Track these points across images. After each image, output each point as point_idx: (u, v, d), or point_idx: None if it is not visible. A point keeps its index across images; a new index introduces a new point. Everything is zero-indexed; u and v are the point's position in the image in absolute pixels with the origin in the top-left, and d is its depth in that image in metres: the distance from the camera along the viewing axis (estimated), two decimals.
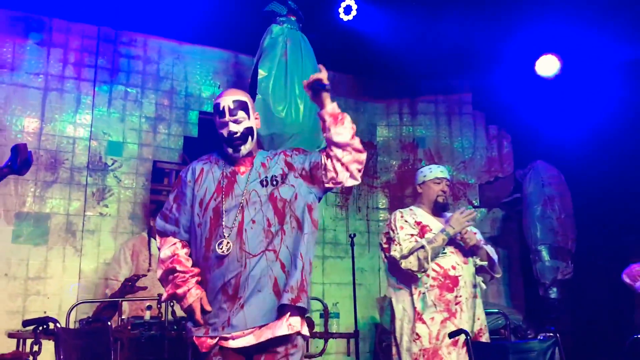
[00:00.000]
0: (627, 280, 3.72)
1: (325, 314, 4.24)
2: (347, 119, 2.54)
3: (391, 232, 3.55)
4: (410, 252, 3.40)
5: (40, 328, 3.04)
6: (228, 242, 2.34)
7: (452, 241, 3.48)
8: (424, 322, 3.37)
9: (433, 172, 3.72)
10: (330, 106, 2.57)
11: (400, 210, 3.67)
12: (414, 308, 3.41)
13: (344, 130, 2.49)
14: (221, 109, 2.52)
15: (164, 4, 4.86)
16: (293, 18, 4.67)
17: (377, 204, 6.28)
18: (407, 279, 3.47)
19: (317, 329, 4.35)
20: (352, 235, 4.64)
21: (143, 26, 5.33)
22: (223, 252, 2.33)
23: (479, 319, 3.48)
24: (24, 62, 4.98)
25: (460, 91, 6.49)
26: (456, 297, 3.39)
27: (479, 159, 6.35)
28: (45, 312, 4.52)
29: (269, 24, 4.77)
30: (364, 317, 5.77)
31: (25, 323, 3.07)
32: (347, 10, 5.07)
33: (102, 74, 5.24)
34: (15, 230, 4.72)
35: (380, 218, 6.23)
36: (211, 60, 5.71)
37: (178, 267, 2.40)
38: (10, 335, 3.91)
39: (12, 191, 4.74)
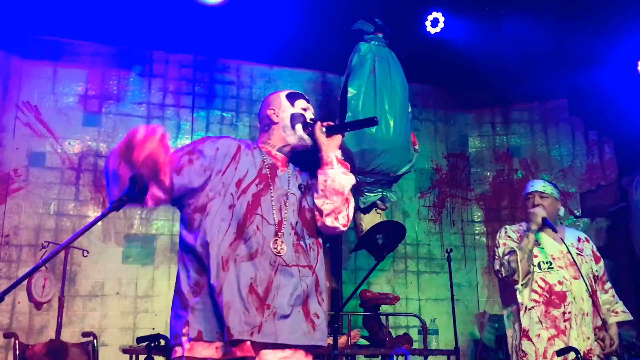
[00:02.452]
0: None
1: (424, 331, 4.19)
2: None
3: (495, 249, 3.52)
4: (503, 259, 3.36)
5: (153, 344, 3.21)
6: (282, 242, 2.09)
7: (563, 256, 3.36)
8: (529, 340, 3.27)
9: (526, 189, 3.66)
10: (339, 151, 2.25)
11: (507, 226, 3.62)
12: (520, 325, 3.32)
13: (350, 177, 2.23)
14: (305, 97, 2.37)
15: (254, 29, 5.04)
16: (380, 35, 4.70)
17: (472, 217, 6.14)
18: (511, 292, 3.38)
19: (415, 345, 4.32)
20: (448, 251, 4.56)
21: (235, 52, 5.55)
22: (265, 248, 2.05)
23: (588, 337, 3.30)
24: (128, 93, 5.32)
25: (555, 97, 6.24)
26: (564, 313, 3.25)
27: (579, 166, 6.06)
28: (153, 329, 4.78)
29: (356, 42, 4.83)
30: (462, 334, 5.64)
31: (139, 340, 3.26)
32: (434, 22, 5.04)
33: (199, 101, 5.50)
34: (124, 251, 5.02)
35: (476, 231, 6.08)
36: (300, 81, 5.84)
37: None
38: (124, 351, 4.17)
39: (121, 214, 5.05)
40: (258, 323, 1.96)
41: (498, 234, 3.58)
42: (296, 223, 2.16)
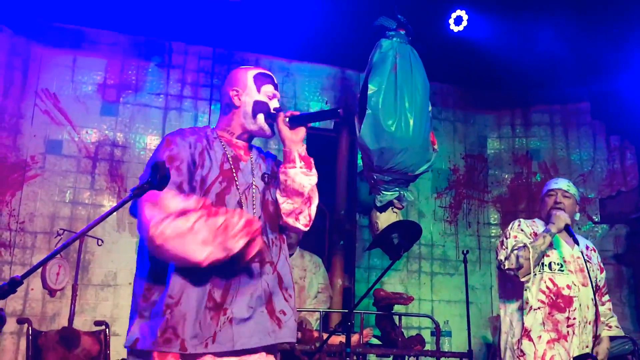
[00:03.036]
0: None
1: (437, 332, 4.14)
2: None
3: (504, 239, 3.38)
4: (512, 251, 3.23)
5: None
6: None
7: (574, 261, 3.28)
8: (530, 340, 3.19)
9: (548, 186, 3.56)
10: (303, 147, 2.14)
11: (521, 219, 3.48)
12: (523, 323, 3.24)
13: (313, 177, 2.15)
14: (275, 82, 2.21)
15: (274, 23, 5.01)
16: (402, 32, 4.64)
17: (488, 220, 6.07)
18: (514, 288, 3.30)
19: (427, 346, 4.27)
20: (465, 252, 4.49)
21: (254, 46, 5.52)
22: None
23: (587, 346, 3.23)
24: (146, 84, 5.31)
25: (577, 100, 6.15)
26: (568, 318, 3.18)
27: (599, 172, 5.96)
28: None
29: (377, 39, 4.78)
30: (475, 337, 5.55)
31: None
32: (458, 21, 4.97)
33: (217, 93, 5.47)
34: (137, 241, 5.00)
35: (492, 234, 6.01)
36: (319, 77, 5.80)
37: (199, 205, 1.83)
38: None
39: None
40: (212, 333, 1.87)
41: (510, 224, 3.45)
42: (259, 217, 2.05)
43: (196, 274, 1.87)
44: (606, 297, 3.47)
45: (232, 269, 1.92)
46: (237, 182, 2.06)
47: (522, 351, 3.19)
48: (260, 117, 2.12)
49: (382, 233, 4.25)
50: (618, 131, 5.99)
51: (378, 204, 4.69)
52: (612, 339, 3.49)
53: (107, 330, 4.05)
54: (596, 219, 5.84)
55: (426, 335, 4.94)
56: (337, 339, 3.89)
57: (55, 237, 4.74)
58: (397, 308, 4.54)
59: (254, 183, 2.10)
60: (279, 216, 2.11)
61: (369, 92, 4.44)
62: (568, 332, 3.16)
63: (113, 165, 5.08)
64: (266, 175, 2.15)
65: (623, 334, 3.46)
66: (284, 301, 2.05)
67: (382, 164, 4.46)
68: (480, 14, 5.00)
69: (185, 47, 5.46)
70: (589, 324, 3.24)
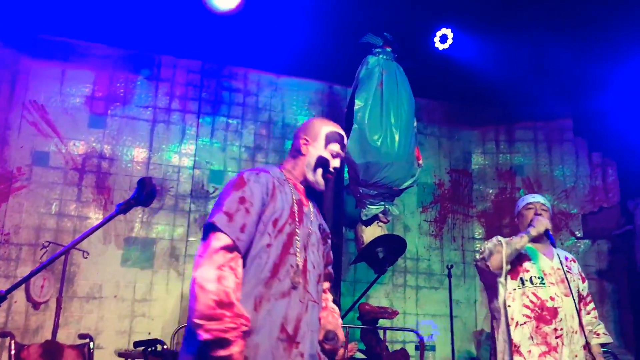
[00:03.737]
0: None
1: (421, 347, 4.17)
2: None
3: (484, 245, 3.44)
4: (487, 248, 3.29)
5: (150, 349, 3.20)
6: (308, 279, 2.14)
7: (554, 273, 3.34)
8: (521, 355, 3.23)
9: (525, 200, 3.62)
10: None
11: (499, 236, 3.55)
12: (511, 339, 3.28)
13: None
14: (344, 143, 2.38)
15: (263, 38, 5.06)
16: (389, 49, 4.72)
17: (472, 234, 6.13)
18: (499, 304, 3.33)
19: None
20: (449, 266, 4.55)
21: (243, 60, 5.58)
22: (298, 283, 2.10)
23: (576, 356, 3.28)
24: (135, 96, 5.33)
25: (560, 117, 6.25)
26: (555, 329, 3.22)
27: (582, 188, 6.05)
28: (149, 333, 4.76)
29: (364, 55, 4.85)
30: (459, 351, 5.61)
31: (136, 344, 3.24)
32: (443, 39, 5.06)
33: (206, 107, 5.51)
34: (124, 254, 5.01)
35: (477, 248, 6.06)
36: (307, 91, 5.86)
37: (236, 309, 1.90)
38: (120, 355, 4.15)
39: (122, 217, 5.04)
40: None
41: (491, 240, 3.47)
42: (317, 263, 2.22)
43: (270, 306, 2.02)
44: (591, 306, 3.50)
45: (302, 305, 2.09)
46: (302, 226, 2.19)
47: None
48: (319, 171, 2.28)
49: (367, 247, 4.29)
50: (600, 148, 6.10)
51: (363, 218, 4.74)
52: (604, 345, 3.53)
53: (90, 343, 4.03)
54: (579, 235, 5.92)
55: (410, 349, 4.97)
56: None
57: (41, 249, 4.72)
58: (382, 322, 4.57)
59: (313, 230, 2.24)
60: (326, 274, 2.33)
61: (356, 107, 4.50)
62: (557, 343, 3.19)
63: (100, 177, 5.09)
64: (322, 227, 2.32)
65: (611, 341, 3.51)
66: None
67: (367, 178, 4.52)
68: (465, 32, 5.09)
69: (174, 61, 5.49)
70: (575, 333, 3.28)
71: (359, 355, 4.30)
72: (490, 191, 6.23)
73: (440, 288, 5.77)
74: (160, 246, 5.12)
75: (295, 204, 2.19)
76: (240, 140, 5.57)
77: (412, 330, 4.55)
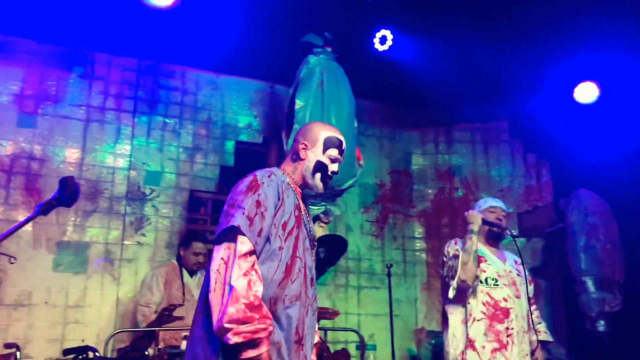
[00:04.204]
0: None
1: (362, 346, 4.18)
2: None
3: (444, 258, 3.58)
4: (449, 260, 3.47)
5: (80, 357, 3.06)
6: (308, 282, 2.23)
7: (506, 275, 3.49)
8: (475, 350, 3.36)
9: (487, 202, 3.79)
10: None
11: (457, 238, 3.69)
12: (467, 335, 3.38)
13: None
14: (342, 147, 2.43)
15: (201, 36, 4.96)
16: (329, 49, 4.71)
17: (413, 233, 6.20)
18: (457, 303, 3.44)
19: None
20: (389, 266, 4.58)
21: (181, 58, 5.45)
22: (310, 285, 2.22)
23: (527, 354, 3.42)
24: (67, 95, 5.12)
25: (496, 119, 6.42)
26: (507, 328, 3.38)
27: (517, 187, 6.23)
28: (83, 341, 4.57)
29: (305, 54, 4.83)
30: (400, 349, 5.66)
31: (66, 352, 3.10)
32: (383, 40, 5.10)
33: (142, 106, 5.35)
34: (55, 258, 4.80)
35: (417, 247, 6.15)
36: (247, 91, 5.79)
37: (263, 311, 1.99)
38: None
39: (54, 220, 4.83)
40: None
41: (447, 245, 3.63)
42: (311, 267, 2.30)
43: (287, 307, 2.12)
44: (534, 307, 3.66)
45: (304, 308, 2.18)
46: (301, 230, 2.28)
47: None
48: (318, 176, 2.37)
49: None
50: (534, 149, 6.29)
51: None
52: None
53: (17, 353, 3.83)
54: (514, 233, 6.06)
55: (352, 349, 4.98)
56: None
57: None
58: (323, 322, 4.55)
59: (307, 234, 2.32)
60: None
61: (296, 107, 4.47)
62: (508, 341, 3.35)
63: (29, 179, 4.85)
64: (312, 232, 2.38)
65: (552, 339, 3.68)
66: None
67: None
68: (404, 34, 5.15)
69: (108, 58, 5.31)
70: (525, 333, 3.48)
71: None
72: (430, 191, 6.33)
73: (381, 287, 5.80)
74: (95, 250, 4.94)
75: (297, 209, 2.27)
76: (178, 141, 5.44)
77: (353, 330, 4.55)
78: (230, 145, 5.63)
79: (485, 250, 3.60)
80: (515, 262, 3.68)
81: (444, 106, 6.35)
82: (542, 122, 5.95)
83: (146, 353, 3.48)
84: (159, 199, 5.24)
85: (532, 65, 5.33)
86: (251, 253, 2.04)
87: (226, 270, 2.00)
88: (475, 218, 3.50)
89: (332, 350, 4.26)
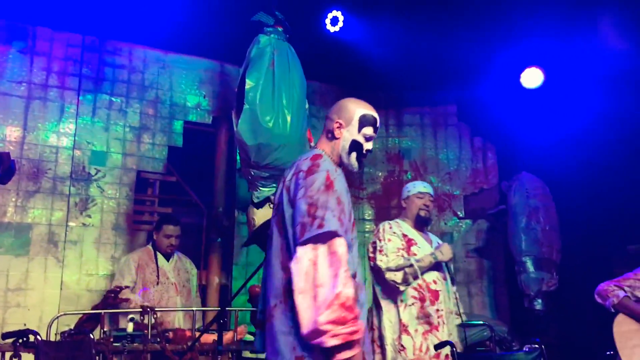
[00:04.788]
0: (598, 300, 3.77)
1: None
2: None
3: (378, 242, 3.72)
4: (398, 268, 3.55)
5: (20, 341, 2.98)
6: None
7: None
8: (408, 334, 3.44)
9: (416, 187, 3.95)
10: None
11: (389, 222, 3.85)
12: (400, 320, 3.46)
13: None
14: (377, 125, 2.40)
15: (149, 13, 4.83)
16: (280, 29, 4.66)
17: (363, 215, 6.27)
18: (391, 290, 3.54)
19: None
20: None
21: (128, 35, 5.29)
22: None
23: (451, 334, 3.55)
24: (7, 70, 4.90)
25: (445, 103, 6.53)
26: (437, 310, 3.51)
27: (464, 170, 6.37)
28: (25, 325, 4.43)
29: (256, 34, 4.76)
30: None
31: (5, 335, 3.01)
32: (334, 21, 5.09)
33: (87, 83, 5.18)
34: None
35: (367, 229, 6.22)
36: (197, 70, 5.68)
37: (356, 311, 1.97)
38: None
39: None
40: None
41: (381, 228, 3.78)
42: None
43: (360, 294, 2.13)
44: (454, 288, 3.80)
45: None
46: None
47: (402, 345, 3.43)
48: (354, 155, 2.33)
49: (258, 229, 4.25)
50: (481, 133, 6.44)
51: (255, 200, 4.69)
52: (470, 326, 3.81)
53: None
54: (461, 215, 6.24)
55: None
56: (211, 338, 3.83)
57: None
58: None
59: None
60: None
61: (247, 87, 4.41)
62: (439, 322, 3.48)
63: None
64: None
65: (465, 319, 3.82)
66: None
67: (259, 160, 4.46)
68: (355, 15, 5.15)
69: (51, 34, 5.10)
70: (452, 313, 3.56)
71: (249, 338, 4.26)
72: (380, 174, 6.40)
73: None
74: (37, 232, 4.78)
75: (347, 193, 2.25)
76: (125, 120, 5.30)
77: None
78: (178, 125, 5.52)
79: (414, 233, 3.75)
80: (439, 244, 3.82)
81: (394, 89, 6.42)
82: (489, 106, 6.09)
83: (91, 336, 3.41)
84: (104, 180, 5.11)
85: (480, 50, 5.42)
86: (344, 254, 2.01)
87: (316, 272, 1.98)
88: (447, 255, 3.68)
89: None
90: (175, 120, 5.52)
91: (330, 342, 1.91)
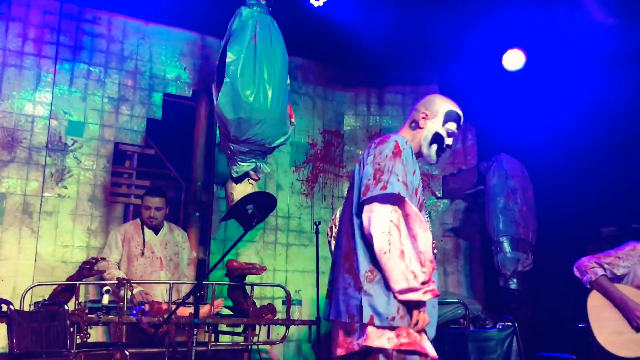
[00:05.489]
0: (577, 273, 3.84)
1: (288, 301, 4.23)
2: None
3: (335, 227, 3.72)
4: None
5: None
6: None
7: None
8: None
9: None
10: None
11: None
12: None
13: None
14: (460, 123, 2.58)
15: None
16: (263, 1, 4.58)
17: (342, 193, 6.27)
18: None
19: (279, 315, 4.35)
20: (317, 223, 4.63)
21: (107, 4, 5.18)
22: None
23: None
24: None
25: (427, 83, 6.51)
26: None
27: None
28: None
29: (238, 6, 4.68)
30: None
31: None
32: None
33: (64, 52, 5.07)
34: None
35: None
36: (177, 42, 5.59)
37: (430, 267, 2.25)
38: None
39: None
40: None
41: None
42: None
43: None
44: None
45: None
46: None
47: None
48: (434, 147, 2.51)
49: (237, 204, 4.23)
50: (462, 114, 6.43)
51: (234, 175, 4.66)
52: (444, 304, 3.85)
53: None
54: (439, 195, 6.28)
55: (278, 304, 5.03)
56: (188, 311, 3.82)
57: None
58: (252, 279, 4.58)
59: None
60: None
61: (228, 60, 4.35)
62: None
63: None
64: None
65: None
66: None
67: (239, 135, 4.42)
68: None
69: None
70: None
71: (226, 311, 4.28)
72: (360, 152, 6.36)
73: (309, 245, 5.86)
74: (11, 202, 4.71)
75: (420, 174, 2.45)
76: (103, 90, 5.21)
77: (279, 286, 4.60)
78: (158, 97, 5.45)
79: None
80: None
81: (377, 68, 6.39)
82: (471, 87, 6.09)
83: (66, 307, 3.39)
84: (81, 151, 5.03)
85: (463, 30, 5.42)
86: (416, 214, 2.21)
87: (399, 233, 2.16)
88: None
89: (258, 306, 4.29)
90: (154, 92, 5.44)
91: (424, 297, 2.15)
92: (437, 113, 2.53)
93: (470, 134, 6.45)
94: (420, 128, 2.50)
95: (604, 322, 3.66)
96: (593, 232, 5.35)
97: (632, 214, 4.91)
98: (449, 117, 2.54)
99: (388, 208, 2.19)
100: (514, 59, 5.65)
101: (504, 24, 5.28)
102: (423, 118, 2.51)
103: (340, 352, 2.28)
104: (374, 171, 2.25)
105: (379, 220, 2.17)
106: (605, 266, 3.81)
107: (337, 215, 3.80)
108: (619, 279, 3.84)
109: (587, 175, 5.41)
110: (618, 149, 5.32)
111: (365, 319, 2.16)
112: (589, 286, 3.79)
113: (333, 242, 3.79)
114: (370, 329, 2.17)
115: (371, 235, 2.18)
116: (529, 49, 5.61)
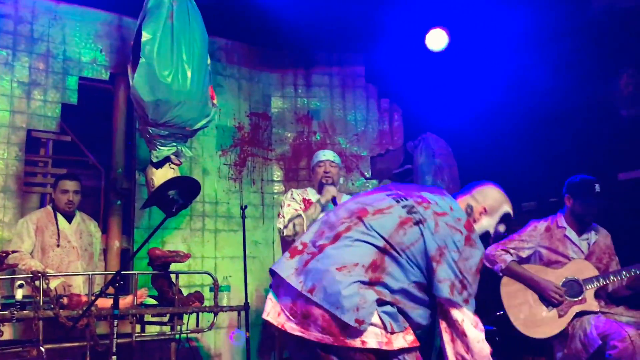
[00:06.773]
0: (487, 264, 3.92)
1: (215, 288, 4.15)
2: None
3: (281, 208, 4.14)
4: (289, 221, 3.90)
5: None
6: None
7: None
8: None
9: (317, 157, 4.31)
10: None
11: (293, 189, 4.25)
12: None
13: None
14: (509, 223, 2.60)
15: None
16: None
17: (271, 177, 6.21)
18: (289, 246, 3.56)
19: (206, 303, 4.26)
20: (243, 207, 4.55)
21: None
22: None
23: None
24: None
25: (354, 64, 6.51)
26: None
27: (371, 131, 6.42)
28: None
29: None
30: (257, 290, 5.74)
31: None
32: None
33: None
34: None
35: (275, 190, 6.17)
36: (92, 22, 5.32)
37: None
38: None
39: None
40: None
41: (285, 195, 4.16)
42: None
43: None
44: None
45: None
46: None
47: None
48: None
49: (158, 190, 4.08)
50: (388, 95, 6.50)
51: (154, 160, 4.50)
52: None
53: None
54: (367, 175, 6.31)
55: (206, 292, 4.94)
56: (110, 302, 3.67)
57: None
58: (178, 267, 4.45)
59: None
60: None
61: (143, 39, 4.17)
62: None
63: None
64: None
65: None
66: None
67: (157, 118, 4.26)
68: None
69: None
70: None
71: (150, 301, 4.14)
72: (289, 135, 6.33)
73: (239, 230, 5.73)
74: None
75: None
76: (12, 74, 4.90)
77: (206, 273, 4.49)
78: (72, 81, 5.17)
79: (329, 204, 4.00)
80: None
81: (303, 49, 6.32)
82: (396, 68, 6.13)
83: None
84: None
85: (388, 10, 5.42)
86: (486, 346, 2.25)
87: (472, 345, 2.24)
88: (328, 194, 4.00)
89: (185, 294, 4.18)
90: (69, 76, 5.17)
91: None
92: (495, 213, 2.48)
93: (397, 114, 6.50)
94: (475, 221, 2.43)
95: (519, 306, 3.77)
96: (514, 207, 5.46)
97: (550, 188, 5.08)
98: (505, 219, 2.50)
99: (458, 309, 2.24)
100: (437, 39, 5.71)
101: (426, 2, 5.31)
102: (481, 213, 2.46)
103: (318, 337, 2.11)
104: (461, 278, 2.23)
105: (451, 316, 2.25)
106: (512, 251, 3.93)
107: (284, 197, 4.16)
108: (526, 260, 3.96)
109: (507, 152, 5.55)
110: (538, 126, 5.48)
111: (389, 329, 2.12)
112: (501, 274, 3.89)
113: (278, 220, 4.10)
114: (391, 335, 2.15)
115: (466, 335, 2.23)
116: (452, 29, 5.68)
